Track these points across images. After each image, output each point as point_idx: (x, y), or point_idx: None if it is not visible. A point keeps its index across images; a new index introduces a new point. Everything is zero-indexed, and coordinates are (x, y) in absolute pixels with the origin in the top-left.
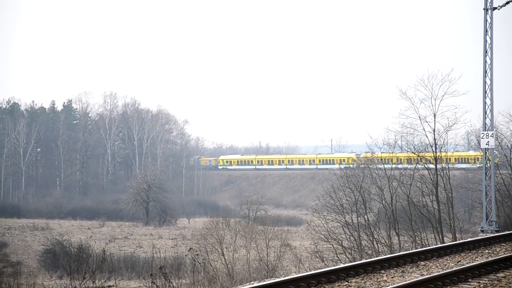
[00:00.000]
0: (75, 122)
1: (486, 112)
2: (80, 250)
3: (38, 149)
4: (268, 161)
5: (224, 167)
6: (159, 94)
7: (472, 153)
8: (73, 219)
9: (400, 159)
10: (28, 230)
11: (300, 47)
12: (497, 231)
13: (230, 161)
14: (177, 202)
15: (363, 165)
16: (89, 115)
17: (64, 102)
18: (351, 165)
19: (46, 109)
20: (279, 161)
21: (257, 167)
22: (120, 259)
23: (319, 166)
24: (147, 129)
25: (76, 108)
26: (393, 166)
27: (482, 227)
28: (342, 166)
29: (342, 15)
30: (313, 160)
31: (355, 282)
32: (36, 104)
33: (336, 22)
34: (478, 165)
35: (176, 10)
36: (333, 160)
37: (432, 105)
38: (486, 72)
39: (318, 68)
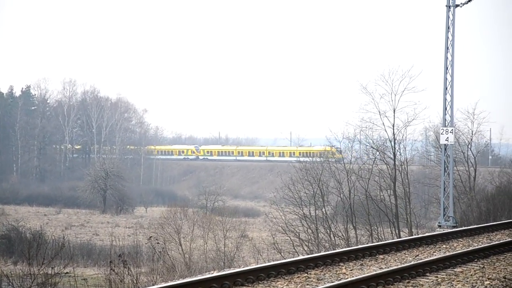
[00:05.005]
0: (33, 108)
1: (446, 109)
2: (39, 236)
3: None
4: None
5: None
6: (118, 82)
7: (315, 148)
8: (30, 206)
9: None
10: None
11: (261, 40)
12: (454, 227)
13: None
14: (135, 190)
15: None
16: (48, 101)
17: (22, 88)
18: (189, 157)
19: (4, 94)
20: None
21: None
22: (76, 247)
23: (158, 157)
24: (106, 117)
25: (35, 94)
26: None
27: (439, 223)
28: (181, 157)
29: (304, 9)
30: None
31: (315, 274)
32: None
33: (298, 16)
34: (318, 159)
35: None
36: (172, 151)
37: (392, 101)
38: (447, 68)
39: (279, 61)
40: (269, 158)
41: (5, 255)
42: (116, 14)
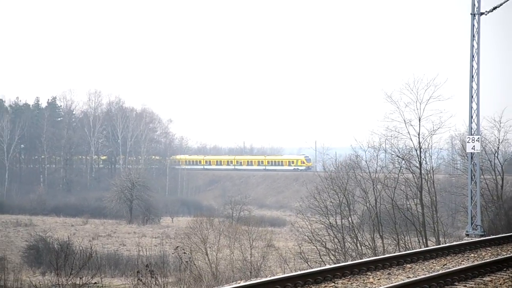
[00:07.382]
0: (59, 119)
1: (472, 117)
2: (66, 246)
3: (22, 146)
4: None
5: None
6: (143, 93)
7: (286, 157)
8: (57, 216)
9: None
10: (11, 226)
11: (286, 49)
12: (482, 236)
13: None
14: (161, 201)
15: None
16: (73, 112)
17: (48, 99)
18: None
19: (31, 106)
20: None
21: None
22: (103, 257)
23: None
24: (131, 127)
25: (60, 105)
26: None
27: (467, 231)
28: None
29: (328, 18)
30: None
31: (342, 284)
32: (20, 101)
33: (322, 24)
34: (292, 168)
35: (160, 8)
36: None
37: (417, 109)
38: (473, 77)
39: (304, 70)
40: (237, 167)
41: (34, 265)
42: (141, 26)
